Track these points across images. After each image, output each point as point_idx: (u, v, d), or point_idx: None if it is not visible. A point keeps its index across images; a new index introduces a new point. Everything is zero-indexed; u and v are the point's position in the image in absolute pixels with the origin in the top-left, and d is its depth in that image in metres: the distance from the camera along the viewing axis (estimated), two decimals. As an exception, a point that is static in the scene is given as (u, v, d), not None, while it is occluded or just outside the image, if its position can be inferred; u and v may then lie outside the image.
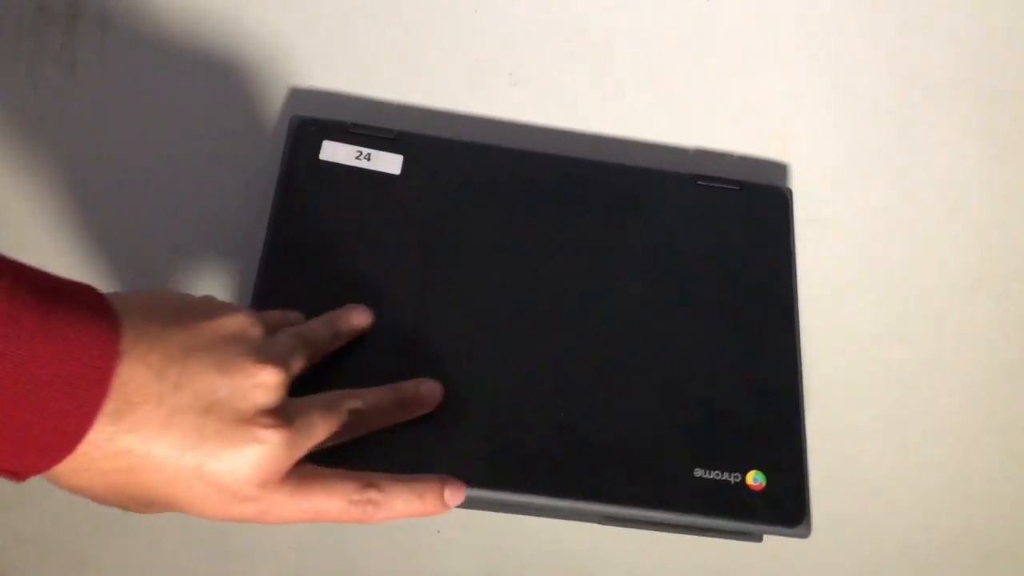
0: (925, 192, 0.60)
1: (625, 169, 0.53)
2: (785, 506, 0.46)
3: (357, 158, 0.50)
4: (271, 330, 0.38)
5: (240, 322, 0.35)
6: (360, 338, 0.45)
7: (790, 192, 0.55)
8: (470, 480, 0.42)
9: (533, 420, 0.46)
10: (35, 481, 0.47)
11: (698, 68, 0.60)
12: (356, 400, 0.39)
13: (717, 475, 0.46)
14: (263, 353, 0.34)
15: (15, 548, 0.46)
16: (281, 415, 0.34)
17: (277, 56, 0.56)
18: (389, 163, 0.50)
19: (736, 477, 0.46)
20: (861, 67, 0.62)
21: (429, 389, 0.44)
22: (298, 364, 0.37)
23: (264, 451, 0.33)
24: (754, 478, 0.46)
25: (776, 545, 0.48)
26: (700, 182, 0.53)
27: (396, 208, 0.49)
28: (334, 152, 0.50)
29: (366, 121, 0.52)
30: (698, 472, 0.46)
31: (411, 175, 0.50)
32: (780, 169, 0.58)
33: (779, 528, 0.46)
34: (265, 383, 0.33)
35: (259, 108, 0.55)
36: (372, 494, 0.37)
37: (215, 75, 0.56)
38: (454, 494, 0.40)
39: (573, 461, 0.45)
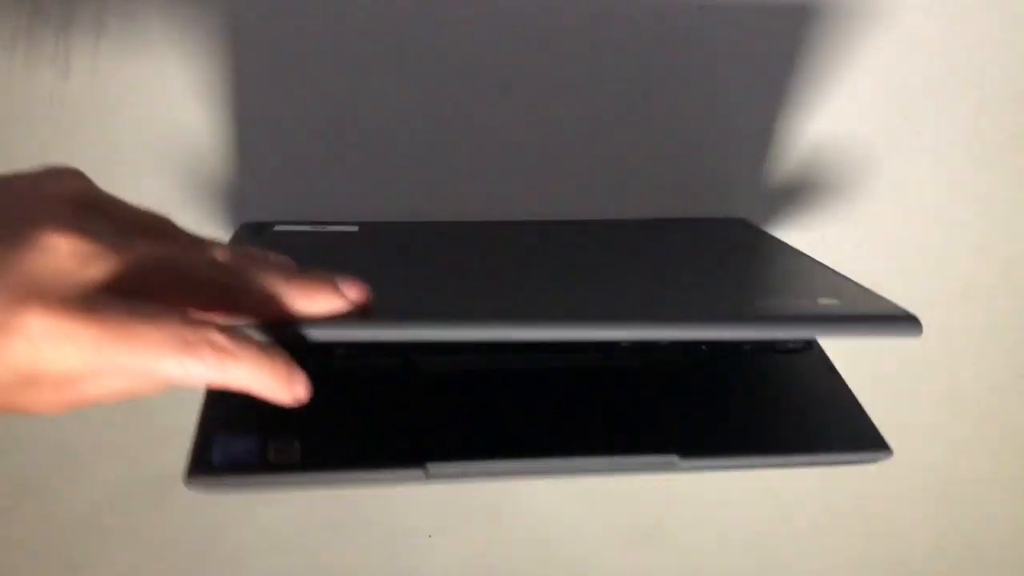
0: (913, 199, 0.60)
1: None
2: None
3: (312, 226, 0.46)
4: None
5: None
6: None
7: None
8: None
9: None
10: (28, 485, 0.48)
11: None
12: (216, 248, 0.29)
13: None
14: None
15: (8, 552, 0.46)
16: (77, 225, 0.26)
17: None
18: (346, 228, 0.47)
19: None
20: (848, 76, 0.62)
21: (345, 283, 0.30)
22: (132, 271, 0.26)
23: (42, 252, 0.25)
24: None
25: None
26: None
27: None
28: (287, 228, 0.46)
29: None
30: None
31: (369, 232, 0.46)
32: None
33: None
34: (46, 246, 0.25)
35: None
36: (211, 336, 0.27)
37: (216, 70, 0.56)
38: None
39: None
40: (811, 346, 0.46)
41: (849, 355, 0.55)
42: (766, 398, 0.44)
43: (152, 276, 0.27)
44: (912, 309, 0.57)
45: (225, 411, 0.37)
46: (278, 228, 0.46)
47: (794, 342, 0.46)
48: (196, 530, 0.48)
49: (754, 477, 0.52)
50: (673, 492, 0.52)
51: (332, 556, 0.48)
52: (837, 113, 0.60)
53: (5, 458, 0.48)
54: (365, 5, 0.49)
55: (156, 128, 0.55)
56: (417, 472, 0.34)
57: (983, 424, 0.55)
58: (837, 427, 0.43)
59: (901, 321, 0.38)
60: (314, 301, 0.29)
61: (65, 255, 0.25)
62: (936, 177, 0.61)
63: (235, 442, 0.36)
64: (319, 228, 0.45)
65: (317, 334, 0.30)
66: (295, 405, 0.29)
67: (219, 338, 0.27)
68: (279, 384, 0.28)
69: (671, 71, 0.55)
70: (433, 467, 0.34)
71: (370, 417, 0.38)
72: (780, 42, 0.62)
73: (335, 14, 0.51)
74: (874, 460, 0.40)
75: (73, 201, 0.27)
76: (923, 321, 0.56)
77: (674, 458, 0.37)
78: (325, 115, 0.51)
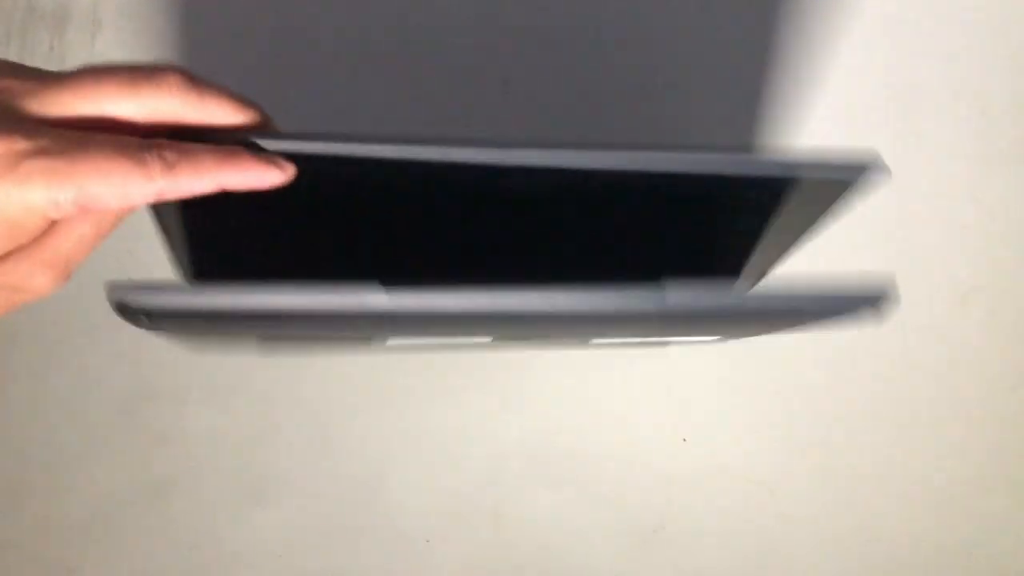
0: (914, 202, 0.60)
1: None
2: None
3: None
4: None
5: None
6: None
7: None
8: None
9: None
10: (24, 489, 0.47)
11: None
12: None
13: None
14: None
15: (3, 555, 0.46)
16: None
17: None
18: None
19: None
20: (853, 79, 0.62)
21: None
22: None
23: None
24: None
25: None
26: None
27: None
28: None
29: None
30: None
31: None
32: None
33: None
34: None
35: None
36: (159, 143, 0.27)
37: (204, 69, 0.55)
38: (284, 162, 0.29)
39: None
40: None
41: (844, 355, 0.55)
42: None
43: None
44: (912, 316, 0.57)
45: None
46: None
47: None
48: (192, 534, 0.48)
49: (750, 477, 0.52)
50: (673, 496, 0.52)
51: (328, 562, 0.47)
52: (841, 115, 0.60)
53: (1, 462, 0.47)
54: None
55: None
56: (377, 290, 0.29)
57: (983, 427, 0.55)
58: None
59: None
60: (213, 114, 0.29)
61: None
62: (938, 180, 0.60)
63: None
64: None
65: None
66: (286, 181, 0.29)
67: (174, 147, 0.27)
68: (258, 169, 0.28)
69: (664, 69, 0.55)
70: (395, 290, 0.29)
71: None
72: (784, 43, 0.62)
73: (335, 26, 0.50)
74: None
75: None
76: (924, 323, 0.56)
77: (663, 288, 0.33)
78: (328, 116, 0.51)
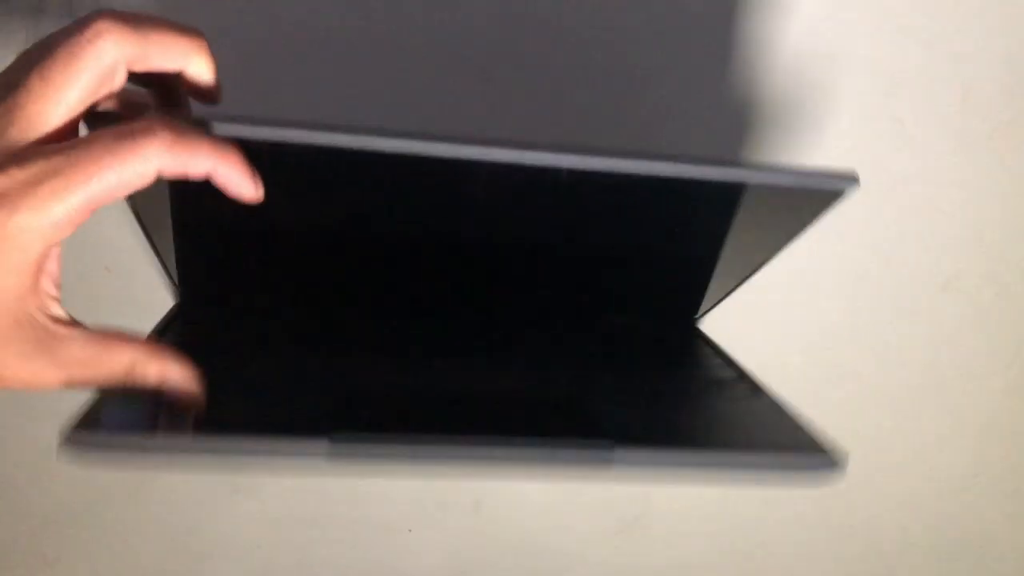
0: (896, 189, 0.60)
1: None
2: None
3: None
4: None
5: None
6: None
7: None
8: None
9: None
10: (2, 481, 0.47)
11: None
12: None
13: None
14: None
15: (-21, 548, 0.46)
16: None
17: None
18: None
19: None
20: (835, 65, 0.62)
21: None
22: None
23: None
24: None
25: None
26: None
27: None
28: None
29: None
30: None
31: None
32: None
33: None
34: None
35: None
36: (150, 123, 0.28)
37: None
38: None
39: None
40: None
41: (831, 344, 0.55)
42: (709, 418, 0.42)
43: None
44: (894, 301, 0.57)
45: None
46: None
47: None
48: (173, 524, 0.47)
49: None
50: (654, 484, 0.52)
51: (312, 551, 0.47)
52: (821, 102, 0.60)
53: (-23, 454, 0.47)
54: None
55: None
56: (321, 444, 0.31)
57: (965, 415, 0.55)
58: (785, 438, 0.41)
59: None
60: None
61: None
62: (920, 167, 0.60)
63: (127, 408, 0.35)
64: None
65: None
66: (255, 200, 0.30)
67: (167, 125, 0.28)
68: (244, 172, 0.29)
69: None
70: (339, 441, 0.31)
71: (278, 388, 0.37)
72: (762, 30, 0.62)
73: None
74: (826, 468, 0.36)
75: None
76: (906, 310, 0.56)
77: (607, 446, 0.33)
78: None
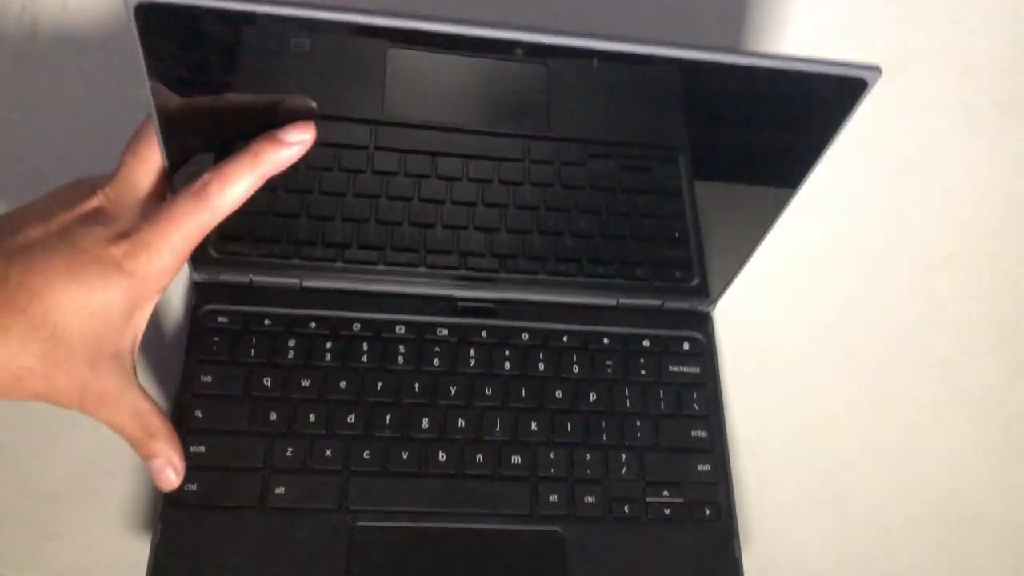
0: (896, 164, 0.60)
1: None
2: None
3: None
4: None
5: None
6: None
7: None
8: None
9: None
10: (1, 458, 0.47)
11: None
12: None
13: None
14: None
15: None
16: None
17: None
18: None
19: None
20: (836, 42, 0.62)
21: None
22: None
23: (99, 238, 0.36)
24: None
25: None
26: None
27: None
28: None
29: None
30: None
31: None
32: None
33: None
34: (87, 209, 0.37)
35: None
36: (204, 178, 0.37)
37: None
38: (294, 130, 0.37)
39: None
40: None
41: (830, 318, 0.55)
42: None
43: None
44: (894, 277, 0.57)
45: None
46: None
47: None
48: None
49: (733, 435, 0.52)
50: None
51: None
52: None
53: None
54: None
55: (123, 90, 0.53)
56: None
57: (963, 391, 0.56)
58: None
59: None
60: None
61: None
62: (920, 142, 0.60)
63: None
64: None
65: None
66: (305, 145, 0.37)
67: (207, 176, 0.37)
68: (278, 150, 0.37)
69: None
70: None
71: None
72: (764, 9, 0.62)
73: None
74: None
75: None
76: (904, 288, 0.56)
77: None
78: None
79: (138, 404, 0.39)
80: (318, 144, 0.38)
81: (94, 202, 0.37)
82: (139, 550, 0.46)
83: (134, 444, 0.41)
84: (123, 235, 0.36)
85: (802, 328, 0.55)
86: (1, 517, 0.46)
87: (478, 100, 0.41)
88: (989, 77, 0.62)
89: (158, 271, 0.36)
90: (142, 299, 0.37)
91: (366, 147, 0.44)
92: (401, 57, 0.39)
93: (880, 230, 0.58)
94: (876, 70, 0.35)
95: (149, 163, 0.38)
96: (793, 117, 0.39)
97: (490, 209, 0.47)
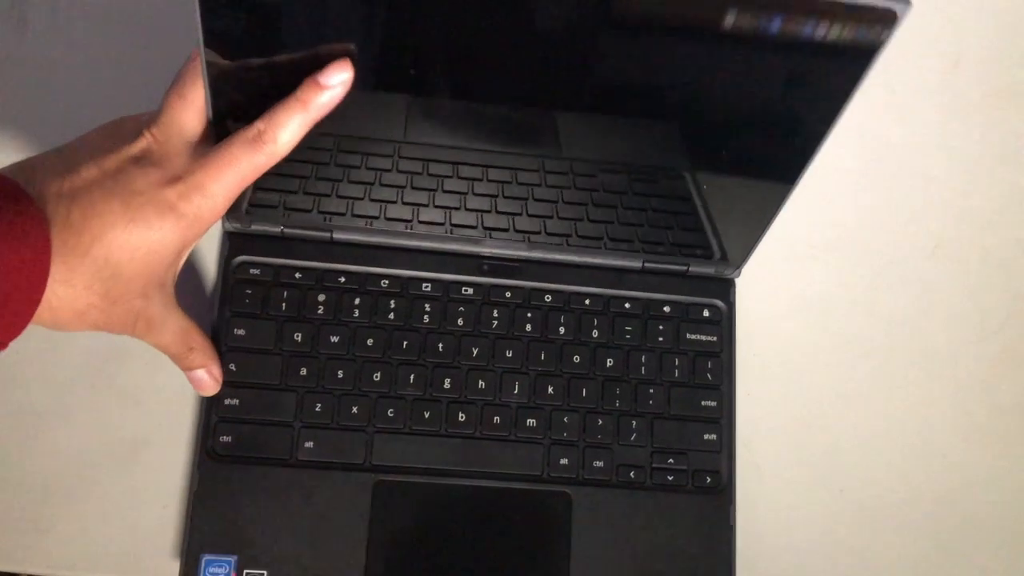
0: (886, 156, 0.60)
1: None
2: None
3: None
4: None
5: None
6: None
7: None
8: None
9: None
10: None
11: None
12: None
13: None
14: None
15: (-29, 516, 0.46)
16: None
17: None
18: None
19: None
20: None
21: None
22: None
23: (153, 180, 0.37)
24: None
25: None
26: None
27: None
28: None
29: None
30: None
31: None
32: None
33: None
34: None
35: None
36: (257, 125, 0.38)
37: (169, 31, 0.54)
38: (332, 72, 0.38)
39: None
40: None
41: (819, 310, 0.56)
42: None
43: None
44: (882, 265, 0.57)
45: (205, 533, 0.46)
46: None
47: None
48: (164, 493, 0.47)
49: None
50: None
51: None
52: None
53: (-33, 422, 0.47)
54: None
55: (116, 88, 0.54)
56: None
57: (954, 380, 0.56)
58: None
59: None
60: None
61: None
62: (909, 133, 0.61)
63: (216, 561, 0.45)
64: None
65: None
66: (349, 79, 0.38)
67: (264, 120, 0.38)
68: (324, 91, 0.38)
69: None
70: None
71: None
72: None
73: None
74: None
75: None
76: (894, 277, 0.57)
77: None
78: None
79: (180, 324, 0.42)
80: (348, 137, 0.42)
81: (143, 143, 0.38)
82: (131, 542, 0.47)
83: (176, 359, 0.44)
84: (177, 178, 0.37)
85: (791, 317, 0.56)
86: (-7, 512, 0.46)
87: (493, 129, 0.44)
88: (979, 68, 0.62)
89: (210, 213, 0.38)
90: (191, 238, 0.39)
91: (390, 156, 0.46)
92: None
93: (869, 220, 0.59)
94: (906, 2, 0.35)
95: (195, 104, 0.39)
96: (814, 63, 0.39)
97: (517, 190, 0.49)
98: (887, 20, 0.36)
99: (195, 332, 0.44)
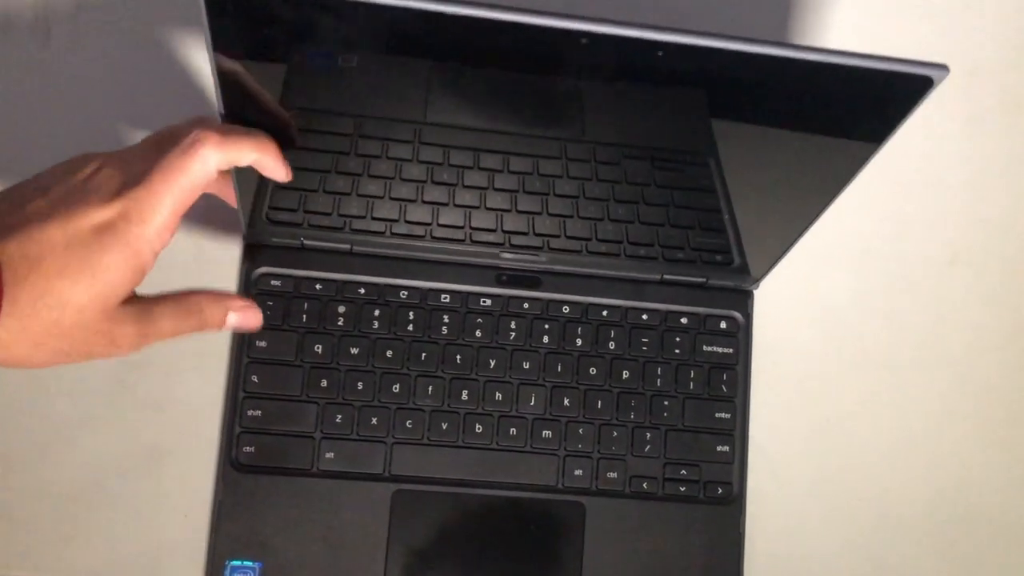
0: (903, 166, 0.60)
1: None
2: None
3: None
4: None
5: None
6: None
7: None
8: None
9: None
10: (16, 457, 0.47)
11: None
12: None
13: None
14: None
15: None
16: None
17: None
18: None
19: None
20: (843, 42, 0.62)
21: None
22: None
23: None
24: None
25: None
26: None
27: None
28: None
29: None
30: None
31: None
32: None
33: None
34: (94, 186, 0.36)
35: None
36: (194, 133, 0.37)
37: (191, 42, 0.55)
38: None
39: None
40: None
41: (836, 319, 0.56)
42: None
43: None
44: (900, 275, 0.57)
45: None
46: None
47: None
48: (186, 501, 0.48)
49: (752, 437, 0.52)
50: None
51: (324, 525, 0.48)
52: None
53: (-8, 430, 0.48)
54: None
55: (135, 100, 0.54)
56: None
57: (971, 388, 0.56)
58: None
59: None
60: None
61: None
62: (926, 141, 0.60)
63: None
64: None
65: None
66: (288, 180, 0.39)
67: (213, 129, 0.37)
68: (276, 160, 0.38)
69: None
70: None
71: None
72: (775, 13, 0.62)
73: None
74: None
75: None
76: (912, 287, 0.57)
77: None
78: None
79: (169, 308, 0.40)
80: (366, 137, 0.42)
81: (90, 168, 0.37)
82: (154, 550, 0.47)
83: (199, 330, 0.41)
84: (116, 195, 0.36)
85: (808, 327, 0.56)
86: (18, 520, 0.46)
87: (515, 108, 0.42)
88: (996, 76, 0.62)
89: (154, 232, 0.36)
90: (139, 258, 0.36)
91: (411, 142, 0.45)
92: (445, 69, 0.39)
93: (886, 230, 0.59)
94: (943, 68, 0.36)
95: (172, 195, 0.37)
96: (847, 114, 0.40)
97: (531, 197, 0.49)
98: (921, 85, 0.37)
99: (189, 298, 0.41)
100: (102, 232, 0.35)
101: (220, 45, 0.36)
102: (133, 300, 0.38)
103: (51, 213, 0.35)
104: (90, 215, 0.35)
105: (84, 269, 0.35)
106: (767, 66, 0.35)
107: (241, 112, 0.39)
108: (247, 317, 0.43)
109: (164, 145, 0.37)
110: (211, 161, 0.36)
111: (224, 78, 0.37)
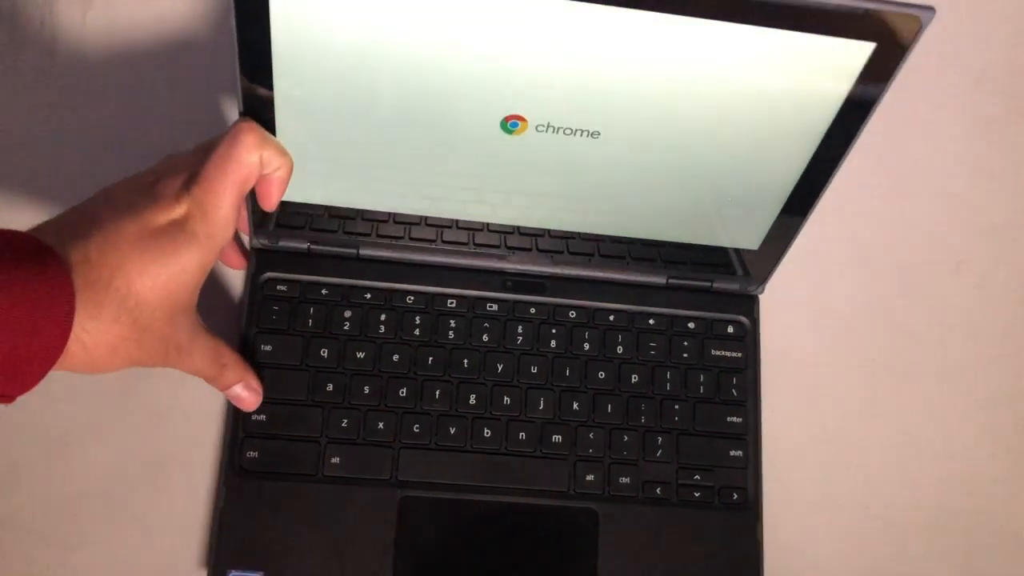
0: (909, 172, 0.60)
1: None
2: None
3: None
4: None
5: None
6: None
7: None
8: None
9: None
10: (21, 467, 0.47)
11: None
12: None
13: None
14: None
15: (2, 533, 0.46)
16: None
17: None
18: None
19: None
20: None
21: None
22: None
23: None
24: None
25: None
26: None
27: None
28: None
29: None
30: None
31: None
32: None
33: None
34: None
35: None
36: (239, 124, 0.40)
37: (197, 48, 0.55)
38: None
39: None
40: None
41: (842, 325, 0.56)
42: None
43: None
44: (906, 281, 0.57)
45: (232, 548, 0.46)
46: None
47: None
48: (191, 509, 0.48)
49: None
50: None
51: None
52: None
53: (-3, 439, 0.47)
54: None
55: (140, 108, 0.54)
56: None
57: (976, 397, 0.56)
58: None
59: None
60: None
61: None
62: (932, 150, 0.61)
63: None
64: None
65: None
66: (270, 210, 0.43)
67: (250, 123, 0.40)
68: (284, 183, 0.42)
69: None
70: None
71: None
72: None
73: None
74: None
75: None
76: (916, 295, 0.57)
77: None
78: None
79: (209, 344, 0.42)
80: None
81: (151, 177, 0.39)
82: (158, 557, 0.47)
83: (212, 381, 0.44)
84: (179, 196, 0.38)
85: (815, 333, 0.56)
86: (24, 528, 0.46)
87: None
88: (1001, 83, 0.62)
89: (219, 226, 0.39)
90: (209, 253, 0.39)
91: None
92: None
93: (892, 236, 0.59)
94: (930, 9, 0.36)
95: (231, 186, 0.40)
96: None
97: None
98: (912, 26, 0.36)
99: (224, 349, 0.44)
100: (174, 232, 0.37)
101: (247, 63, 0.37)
102: (190, 311, 0.40)
103: (125, 219, 0.37)
104: (160, 217, 0.37)
105: (161, 271, 0.37)
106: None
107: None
108: (249, 398, 0.46)
109: (209, 146, 0.39)
110: (254, 147, 0.38)
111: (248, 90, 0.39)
